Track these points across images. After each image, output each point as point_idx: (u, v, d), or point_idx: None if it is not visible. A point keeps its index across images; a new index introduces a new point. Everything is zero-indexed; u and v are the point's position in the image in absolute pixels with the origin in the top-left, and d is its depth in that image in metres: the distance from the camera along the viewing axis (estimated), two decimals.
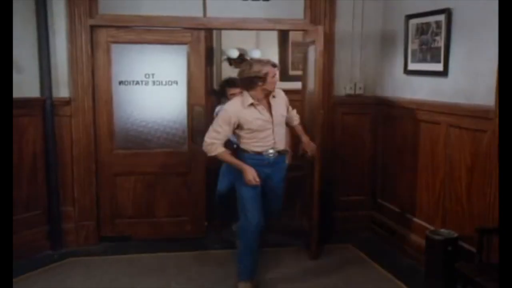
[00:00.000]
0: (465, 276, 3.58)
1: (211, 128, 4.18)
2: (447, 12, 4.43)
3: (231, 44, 8.00)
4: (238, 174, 4.18)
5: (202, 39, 5.37)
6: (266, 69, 4.10)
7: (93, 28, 5.12)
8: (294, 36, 8.02)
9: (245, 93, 4.17)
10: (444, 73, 4.51)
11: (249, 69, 4.12)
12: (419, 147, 4.90)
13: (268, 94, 4.20)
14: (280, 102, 4.33)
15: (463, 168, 4.30)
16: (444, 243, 4.13)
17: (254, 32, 7.91)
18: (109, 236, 5.41)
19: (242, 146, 4.24)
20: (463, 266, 3.71)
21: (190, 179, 5.48)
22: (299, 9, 5.46)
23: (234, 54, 7.98)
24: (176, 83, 5.36)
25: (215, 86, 7.59)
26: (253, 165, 4.14)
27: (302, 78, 5.70)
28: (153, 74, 5.30)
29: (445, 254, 4.09)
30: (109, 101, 5.26)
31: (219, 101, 5.45)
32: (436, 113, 4.61)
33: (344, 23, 5.43)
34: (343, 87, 5.58)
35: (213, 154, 4.16)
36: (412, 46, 4.96)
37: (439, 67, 4.56)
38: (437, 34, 4.58)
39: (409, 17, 4.98)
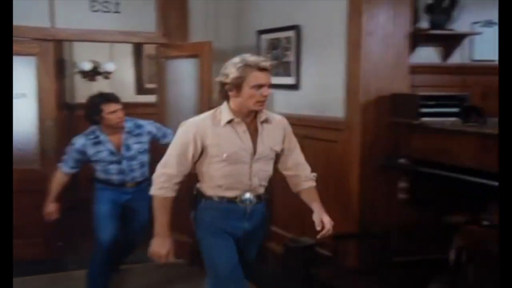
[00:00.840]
0: (322, 281, 3.57)
1: (166, 154, 2.81)
2: (296, 29, 4.45)
3: (84, 56, 7.52)
4: (205, 226, 2.86)
5: (51, 51, 4.94)
6: (240, 73, 2.62)
7: None
8: (149, 49, 7.73)
9: (224, 105, 2.77)
10: (296, 86, 4.52)
11: (222, 71, 2.72)
12: None
13: (250, 113, 2.75)
14: (275, 131, 2.88)
15: (318, 177, 4.31)
16: (301, 250, 4.10)
17: (107, 44, 7.50)
18: None
19: (200, 186, 2.86)
20: (320, 272, 3.70)
21: (42, 198, 4.99)
22: (151, 22, 5.21)
23: (87, 66, 7.50)
24: (25, 96, 4.85)
25: (68, 100, 7.08)
26: (219, 219, 2.81)
27: (158, 92, 5.44)
28: None
29: (302, 261, 4.07)
30: None
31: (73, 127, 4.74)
32: (291, 125, 4.58)
33: (197, 38, 5.26)
34: None
35: (151, 192, 2.80)
36: None
37: (291, 80, 4.57)
38: (287, 49, 4.59)
39: (261, 32, 4.95)
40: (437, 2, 4.33)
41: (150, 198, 3.06)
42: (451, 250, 2.82)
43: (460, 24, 4.50)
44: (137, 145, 3.98)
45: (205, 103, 4.64)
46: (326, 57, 4.19)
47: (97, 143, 3.91)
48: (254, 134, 2.78)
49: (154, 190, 2.78)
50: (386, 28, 3.87)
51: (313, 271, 3.75)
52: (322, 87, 4.24)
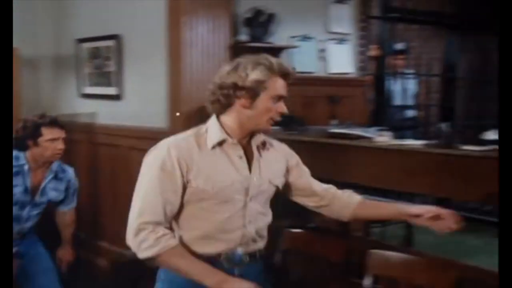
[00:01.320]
0: None
1: (134, 203, 1.94)
2: (117, 38, 4.26)
3: None
4: None
5: None
6: (264, 76, 1.86)
7: None
8: None
9: (213, 121, 1.96)
10: (118, 96, 4.34)
11: (233, 71, 1.89)
12: (100, 171, 4.58)
13: (250, 133, 1.98)
14: (275, 160, 2.08)
15: None
16: (128, 266, 3.89)
17: None
18: None
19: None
20: (150, 287, 3.53)
21: None
22: None
23: None
24: None
25: None
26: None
27: None
28: None
29: (130, 276, 3.87)
30: None
31: None
32: (115, 136, 4.39)
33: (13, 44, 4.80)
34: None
35: (149, 254, 1.85)
36: (86, 69, 4.65)
37: (113, 90, 4.36)
38: (108, 58, 4.38)
39: (80, 41, 4.66)
40: (254, 17, 4.40)
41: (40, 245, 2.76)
42: (276, 253, 2.81)
43: (278, 37, 4.62)
44: (53, 193, 3.20)
45: (16, 115, 4.27)
46: (148, 67, 4.07)
47: (17, 173, 2.99)
48: (250, 161, 1.98)
49: (154, 248, 1.84)
50: (206, 40, 3.83)
51: (143, 287, 3.56)
52: (145, 97, 4.11)
